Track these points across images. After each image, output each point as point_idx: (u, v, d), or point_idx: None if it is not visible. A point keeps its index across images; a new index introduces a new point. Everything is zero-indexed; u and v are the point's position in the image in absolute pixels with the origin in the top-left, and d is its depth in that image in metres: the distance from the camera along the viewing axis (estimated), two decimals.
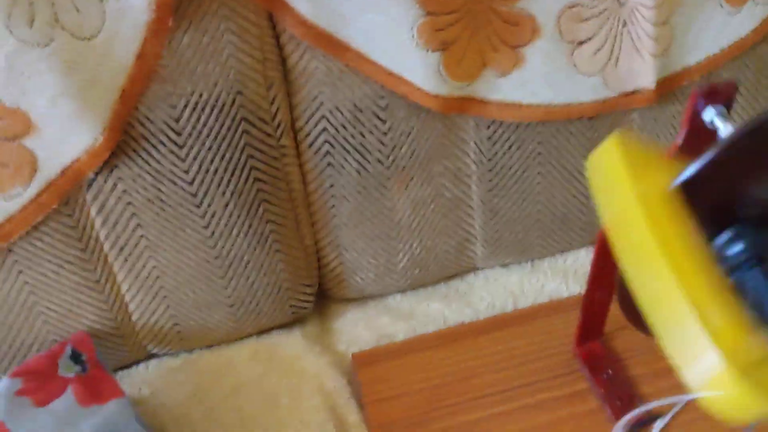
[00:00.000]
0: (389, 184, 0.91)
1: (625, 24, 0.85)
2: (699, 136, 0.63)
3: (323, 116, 0.86)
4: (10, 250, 0.82)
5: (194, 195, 0.84)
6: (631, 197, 0.53)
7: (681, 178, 0.53)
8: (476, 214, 0.97)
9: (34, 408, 0.78)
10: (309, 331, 1.00)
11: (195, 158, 0.82)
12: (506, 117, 0.89)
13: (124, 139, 0.79)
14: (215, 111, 0.80)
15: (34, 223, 0.80)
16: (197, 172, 0.83)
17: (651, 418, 0.83)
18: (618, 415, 0.82)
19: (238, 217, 0.87)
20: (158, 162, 0.81)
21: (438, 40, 0.81)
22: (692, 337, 0.47)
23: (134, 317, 0.91)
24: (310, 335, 0.99)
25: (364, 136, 0.87)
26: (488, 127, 0.90)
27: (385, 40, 0.81)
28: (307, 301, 0.99)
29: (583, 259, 1.03)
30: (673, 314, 0.49)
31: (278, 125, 0.85)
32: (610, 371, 0.87)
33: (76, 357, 0.84)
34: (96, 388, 0.81)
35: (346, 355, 0.97)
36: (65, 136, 0.76)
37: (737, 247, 0.55)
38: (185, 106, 0.79)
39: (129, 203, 0.83)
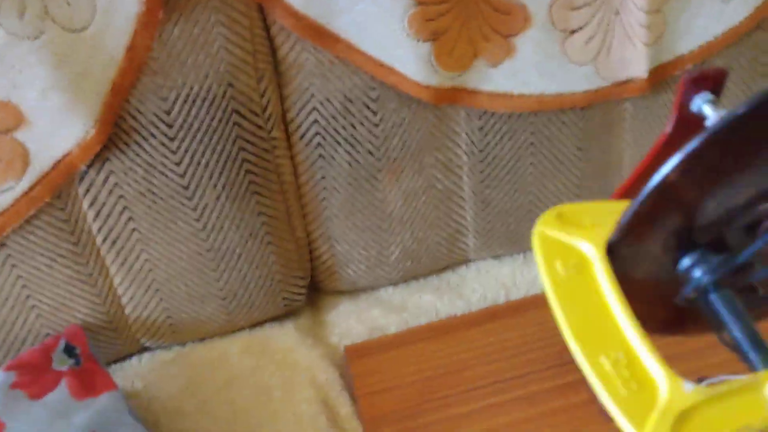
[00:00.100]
0: (380, 176, 0.92)
1: (617, 12, 0.86)
2: (688, 124, 0.64)
3: (314, 108, 0.86)
4: (2, 244, 0.82)
5: (186, 187, 0.85)
6: (546, 283, 0.56)
7: (611, 238, 0.56)
8: (468, 206, 0.98)
9: (28, 401, 0.79)
10: (301, 323, 1.01)
11: (186, 151, 0.83)
12: (498, 107, 0.90)
13: (115, 132, 0.80)
14: (206, 103, 0.81)
15: (27, 217, 0.81)
16: (188, 165, 0.83)
17: None
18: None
19: (230, 209, 0.88)
20: (149, 155, 0.82)
21: (429, 31, 0.81)
22: (609, 409, 0.51)
23: (127, 310, 0.92)
24: (303, 328, 1.00)
25: (355, 128, 0.88)
26: (480, 117, 0.91)
27: (375, 30, 0.82)
28: (300, 294, 1.00)
29: None
30: (593, 387, 0.53)
31: (269, 117, 0.86)
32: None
33: (69, 350, 0.85)
34: (89, 381, 0.82)
35: (339, 347, 0.98)
36: (56, 129, 0.77)
37: (697, 273, 0.58)
38: (176, 99, 0.80)
39: (121, 196, 0.83)
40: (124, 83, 0.78)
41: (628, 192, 0.66)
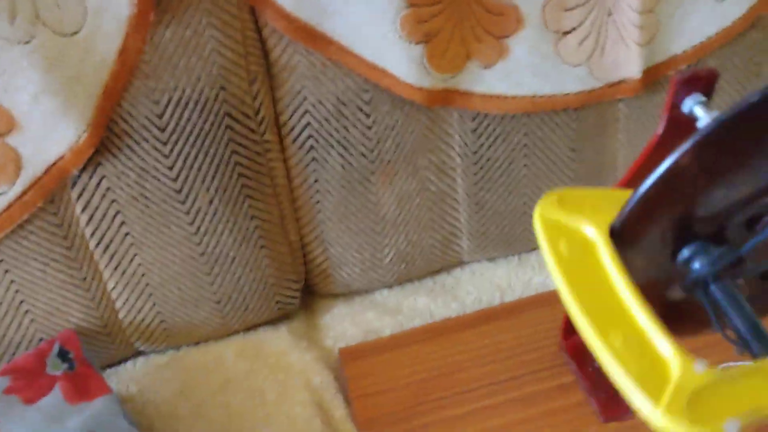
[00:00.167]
0: (374, 179, 0.92)
1: (610, 13, 0.87)
2: (680, 125, 0.65)
3: (307, 110, 0.87)
4: None
5: (178, 191, 0.85)
6: (551, 262, 0.57)
7: (615, 222, 0.57)
8: (462, 208, 0.98)
9: (22, 405, 0.79)
10: (296, 327, 1.01)
11: (179, 154, 0.83)
12: (491, 109, 0.90)
13: (107, 136, 0.80)
14: (198, 106, 0.82)
15: (20, 222, 0.81)
16: (181, 169, 0.84)
17: None
18: (604, 408, 0.84)
19: (223, 213, 0.88)
20: (142, 158, 0.82)
21: (421, 32, 0.82)
22: (622, 385, 0.51)
23: (121, 315, 0.93)
24: (297, 331, 1.01)
25: (347, 130, 0.88)
26: (473, 119, 0.91)
27: (367, 32, 0.82)
28: (294, 297, 1.00)
29: None
30: (604, 364, 0.53)
31: (262, 120, 0.86)
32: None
33: (63, 355, 0.85)
34: (84, 385, 0.83)
35: (333, 350, 0.98)
36: (49, 134, 0.77)
37: (697, 264, 0.58)
38: (168, 102, 0.80)
39: (113, 200, 0.84)
40: (116, 87, 0.78)
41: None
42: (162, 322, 0.95)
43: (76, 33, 0.74)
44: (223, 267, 0.92)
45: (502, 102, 0.90)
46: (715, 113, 0.61)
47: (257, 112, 0.86)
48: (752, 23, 0.93)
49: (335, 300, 1.05)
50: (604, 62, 0.90)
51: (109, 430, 0.79)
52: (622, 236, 0.57)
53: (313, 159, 0.91)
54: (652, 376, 0.50)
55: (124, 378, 0.96)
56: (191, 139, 0.83)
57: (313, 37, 0.83)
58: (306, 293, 1.04)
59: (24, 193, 0.80)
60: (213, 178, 0.86)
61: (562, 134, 0.95)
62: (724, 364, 0.51)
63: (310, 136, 0.89)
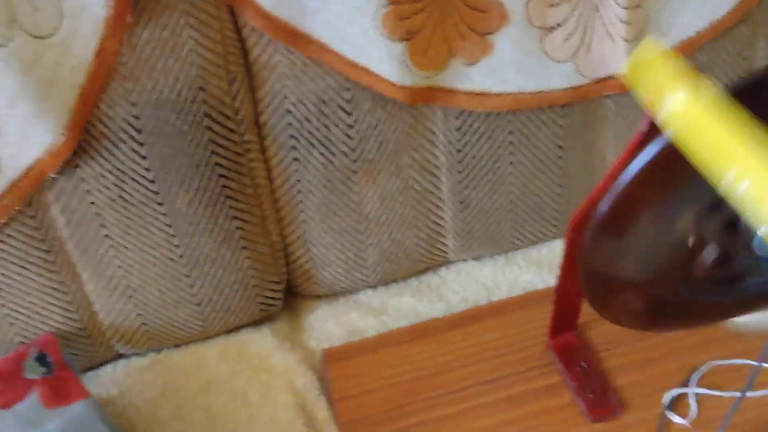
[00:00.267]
0: (356, 178, 0.93)
1: (596, 9, 0.88)
2: None
3: (287, 110, 0.88)
4: None
5: (157, 193, 0.86)
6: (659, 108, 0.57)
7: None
8: (446, 206, 0.99)
9: None
10: (279, 328, 1.03)
11: (157, 156, 0.84)
12: (475, 106, 0.91)
13: (85, 138, 0.81)
14: (177, 107, 0.83)
15: None
16: (159, 170, 0.85)
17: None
18: (591, 408, 0.86)
19: (203, 214, 0.89)
20: (120, 161, 0.83)
21: (403, 30, 0.83)
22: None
23: (100, 317, 0.94)
24: (280, 332, 1.02)
25: (329, 129, 0.89)
26: (457, 117, 0.92)
27: (348, 30, 0.83)
28: (276, 298, 1.01)
29: (557, 250, 1.04)
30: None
31: (242, 120, 0.87)
32: (584, 363, 0.89)
33: (41, 359, 0.86)
34: (62, 389, 0.84)
35: (317, 351, 0.99)
36: (26, 137, 0.78)
37: None
38: (146, 103, 0.81)
39: (92, 203, 0.85)
40: (94, 88, 0.79)
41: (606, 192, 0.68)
42: (142, 325, 0.96)
43: (52, 35, 0.75)
44: (203, 269, 0.93)
45: (487, 99, 0.91)
46: None
47: (237, 112, 0.87)
48: (741, 18, 0.94)
49: (319, 301, 1.06)
50: (590, 58, 0.91)
51: None
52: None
53: (295, 159, 0.92)
54: None
55: (105, 381, 0.97)
56: (170, 141, 0.84)
57: (293, 36, 0.84)
58: (289, 294, 1.05)
59: (2, 196, 0.81)
60: (192, 179, 0.87)
61: (548, 131, 0.96)
62: None
63: (291, 136, 0.90)
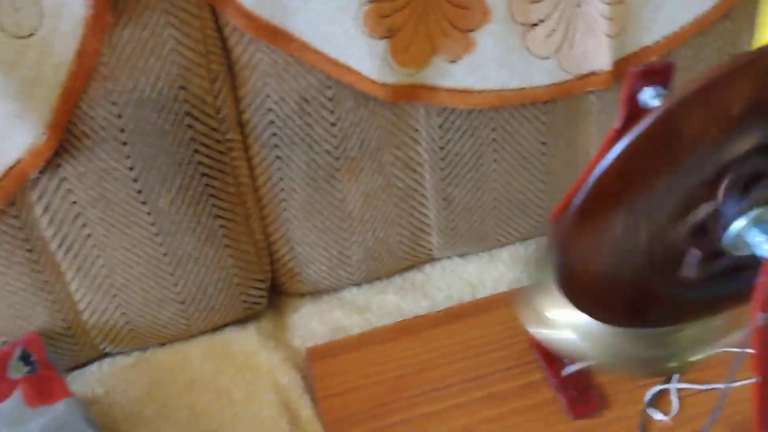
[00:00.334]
0: (339, 176, 0.94)
1: (579, 5, 0.89)
2: (638, 119, 0.67)
3: (269, 108, 0.89)
4: None
5: (139, 192, 0.87)
6: None
7: None
8: (430, 204, 1.01)
9: None
10: (263, 326, 1.03)
11: (139, 155, 0.85)
12: (458, 104, 0.92)
13: (67, 138, 0.82)
14: (158, 106, 0.83)
15: None
16: (142, 169, 0.86)
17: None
18: (573, 405, 0.87)
19: (185, 213, 0.90)
20: (102, 160, 0.84)
21: (384, 27, 0.84)
22: None
23: (85, 316, 0.95)
24: (265, 331, 1.03)
25: (311, 127, 0.90)
26: (439, 114, 0.93)
27: (329, 28, 0.84)
28: (260, 297, 1.02)
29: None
30: None
31: (224, 119, 0.88)
32: (567, 361, 0.90)
33: (25, 358, 0.87)
34: (46, 388, 0.85)
35: (301, 350, 1.00)
36: (7, 136, 0.79)
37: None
38: (127, 103, 0.82)
39: (74, 202, 0.86)
40: (75, 88, 0.80)
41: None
42: (127, 323, 0.97)
43: (32, 35, 0.76)
44: (186, 267, 0.94)
45: (469, 96, 0.92)
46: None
47: (219, 111, 0.88)
48: (725, 13, 0.95)
49: (303, 299, 1.07)
50: (573, 54, 0.92)
51: None
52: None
53: (277, 157, 0.93)
54: None
55: (89, 380, 0.98)
56: (151, 140, 0.85)
57: (274, 35, 0.84)
58: (273, 293, 1.06)
59: None
60: (175, 178, 0.88)
61: (531, 128, 0.97)
62: None
63: (273, 134, 0.91)
